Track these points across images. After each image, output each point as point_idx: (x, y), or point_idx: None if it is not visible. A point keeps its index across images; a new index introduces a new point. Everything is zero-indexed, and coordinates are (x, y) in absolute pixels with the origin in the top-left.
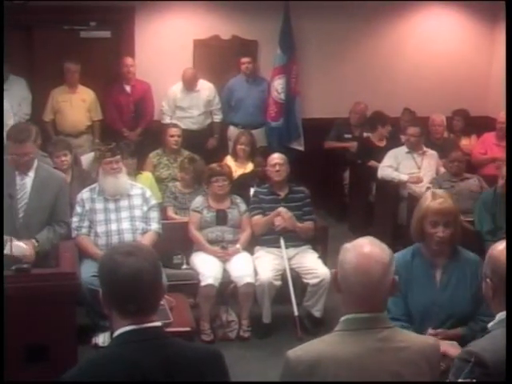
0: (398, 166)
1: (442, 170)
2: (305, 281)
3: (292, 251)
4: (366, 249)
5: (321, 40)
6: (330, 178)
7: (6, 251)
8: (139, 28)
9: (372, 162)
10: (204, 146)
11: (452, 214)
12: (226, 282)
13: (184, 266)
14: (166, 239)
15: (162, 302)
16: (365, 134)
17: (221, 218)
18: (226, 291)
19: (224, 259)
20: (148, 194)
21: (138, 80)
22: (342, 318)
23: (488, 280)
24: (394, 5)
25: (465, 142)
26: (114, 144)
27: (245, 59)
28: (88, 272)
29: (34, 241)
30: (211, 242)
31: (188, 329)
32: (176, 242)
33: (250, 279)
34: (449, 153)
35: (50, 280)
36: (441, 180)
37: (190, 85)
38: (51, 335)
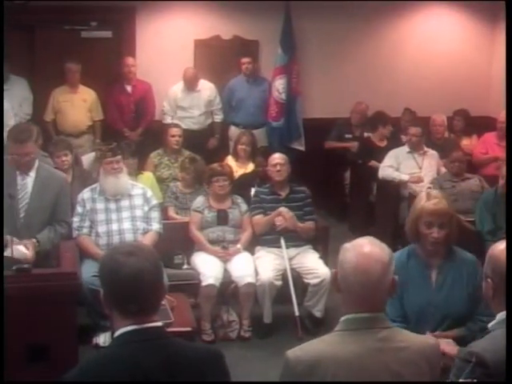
0: (399, 166)
1: (443, 170)
2: (305, 281)
3: (293, 251)
4: (365, 248)
5: (322, 40)
6: (330, 178)
7: (7, 254)
8: (140, 28)
9: (373, 162)
10: (205, 146)
11: (447, 215)
12: (227, 282)
13: (185, 266)
14: (167, 239)
15: (162, 302)
16: (365, 134)
17: (222, 218)
18: (227, 291)
19: (225, 259)
20: (149, 194)
21: (138, 80)
22: (342, 318)
23: (488, 280)
24: (394, 5)
25: (465, 142)
26: (115, 144)
27: (245, 59)
28: (89, 272)
29: (34, 241)
30: (212, 242)
31: (189, 329)
32: (177, 242)
33: (250, 279)
34: (449, 153)
35: (51, 280)
36: (442, 180)
37: (190, 85)
38: (52, 335)
